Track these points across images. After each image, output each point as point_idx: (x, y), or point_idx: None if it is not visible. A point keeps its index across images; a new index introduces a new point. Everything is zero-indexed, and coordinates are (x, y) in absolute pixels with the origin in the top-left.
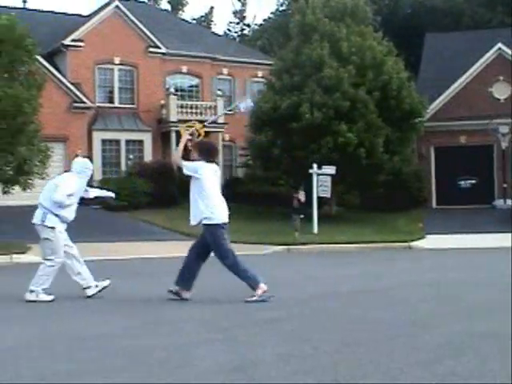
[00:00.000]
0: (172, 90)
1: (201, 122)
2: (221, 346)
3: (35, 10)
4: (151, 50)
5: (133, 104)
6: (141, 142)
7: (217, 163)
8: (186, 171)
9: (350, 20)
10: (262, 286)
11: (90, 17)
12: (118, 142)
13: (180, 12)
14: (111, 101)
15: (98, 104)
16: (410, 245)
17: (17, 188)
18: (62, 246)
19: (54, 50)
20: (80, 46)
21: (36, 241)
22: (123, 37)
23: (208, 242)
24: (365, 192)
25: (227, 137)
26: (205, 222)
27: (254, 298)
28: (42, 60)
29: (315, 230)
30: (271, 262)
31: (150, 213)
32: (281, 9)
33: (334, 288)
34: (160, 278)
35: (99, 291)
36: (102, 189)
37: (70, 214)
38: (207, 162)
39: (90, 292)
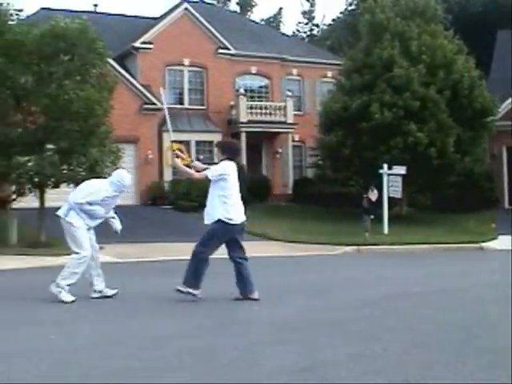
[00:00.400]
0: (242, 90)
1: (174, 141)
2: (291, 346)
3: (106, 13)
4: (221, 51)
5: (202, 105)
6: (211, 143)
7: (238, 162)
8: (213, 177)
9: (419, 18)
10: (197, 292)
11: (159, 19)
12: (188, 142)
13: (249, 13)
14: (181, 102)
15: (168, 106)
16: (482, 246)
17: None
18: (85, 239)
19: (125, 52)
20: (150, 48)
21: (109, 240)
22: (193, 38)
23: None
24: (436, 192)
25: (297, 137)
26: (218, 218)
27: (184, 290)
28: (112, 63)
29: (386, 230)
30: (341, 262)
31: None
32: (350, 8)
33: (405, 288)
34: (230, 278)
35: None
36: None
37: (90, 219)
38: (228, 160)
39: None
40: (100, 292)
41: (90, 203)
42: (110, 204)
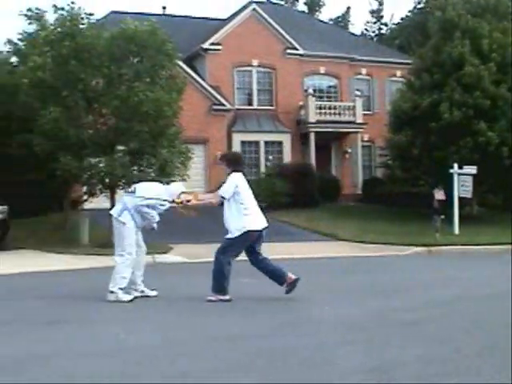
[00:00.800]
0: (310, 91)
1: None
2: (361, 346)
3: (174, 15)
4: (289, 51)
5: (271, 106)
6: (280, 143)
7: (243, 172)
8: (228, 194)
9: (490, 16)
10: (227, 297)
11: (227, 20)
12: (257, 143)
13: (317, 13)
14: (250, 103)
15: (237, 106)
16: None
17: None
18: (132, 241)
19: (194, 53)
20: (218, 50)
21: (178, 241)
22: (261, 39)
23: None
24: (507, 192)
25: (366, 137)
26: (243, 230)
27: (213, 298)
28: (182, 64)
29: (456, 230)
30: (412, 262)
31: (290, 213)
32: (418, 6)
33: (477, 290)
34: (302, 278)
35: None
36: None
37: (142, 220)
38: (235, 171)
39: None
40: (142, 292)
41: (148, 206)
42: (160, 210)
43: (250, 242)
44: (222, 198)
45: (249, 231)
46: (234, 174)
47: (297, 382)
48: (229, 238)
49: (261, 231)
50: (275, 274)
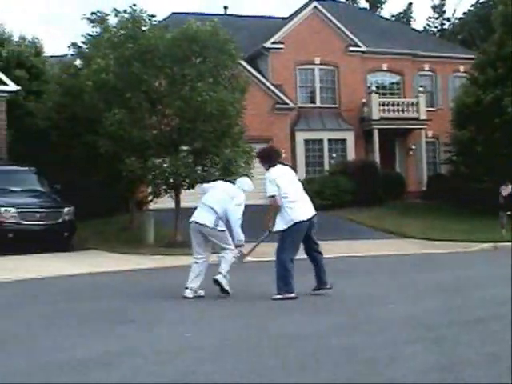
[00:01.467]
0: (373, 88)
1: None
2: (428, 344)
3: (236, 15)
4: (351, 48)
5: (334, 103)
6: (343, 141)
7: (283, 163)
8: (273, 193)
9: None
10: (294, 295)
11: (289, 19)
12: (320, 141)
13: (378, 9)
14: (313, 101)
15: (299, 105)
16: None
17: None
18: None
19: (256, 53)
20: (281, 48)
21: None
22: (323, 37)
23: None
24: None
25: (430, 133)
26: (290, 223)
27: (279, 296)
28: (244, 63)
29: None
30: (479, 259)
31: (355, 211)
32: (481, 0)
33: None
34: (364, 276)
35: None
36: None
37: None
38: (271, 166)
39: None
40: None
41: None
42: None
43: (301, 232)
44: (272, 196)
45: (296, 223)
46: (269, 170)
47: (363, 382)
48: (279, 233)
49: (309, 220)
50: (319, 274)
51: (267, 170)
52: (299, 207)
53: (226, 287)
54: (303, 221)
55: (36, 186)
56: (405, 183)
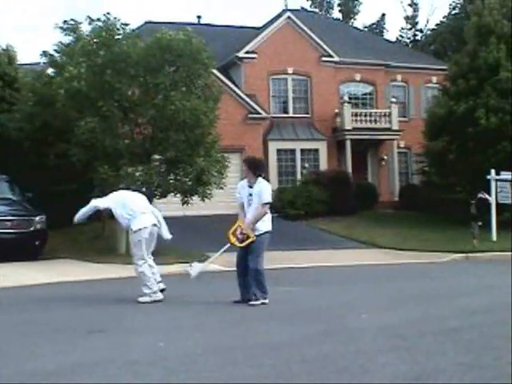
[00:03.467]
0: (346, 98)
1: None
2: (401, 354)
3: (209, 24)
4: (324, 59)
5: (307, 113)
6: (316, 150)
7: (264, 176)
8: (270, 199)
9: None
10: (263, 301)
11: (262, 28)
12: (293, 151)
13: (351, 20)
14: (286, 111)
15: (272, 114)
16: None
17: (195, 198)
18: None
19: (229, 62)
20: (254, 58)
21: (214, 249)
22: (296, 47)
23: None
24: None
25: (402, 144)
26: (265, 230)
27: (258, 302)
28: (217, 73)
29: (494, 237)
30: (450, 269)
31: (327, 221)
32: (453, 12)
33: None
34: (336, 285)
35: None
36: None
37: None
38: (258, 176)
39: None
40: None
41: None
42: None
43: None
44: (268, 203)
45: (270, 231)
46: (260, 178)
47: None
48: (260, 243)
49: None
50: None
51: (254, 177)
52: (268, 219)
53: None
54: (271, 231)
55: (7, 194)
56: (377, 193)
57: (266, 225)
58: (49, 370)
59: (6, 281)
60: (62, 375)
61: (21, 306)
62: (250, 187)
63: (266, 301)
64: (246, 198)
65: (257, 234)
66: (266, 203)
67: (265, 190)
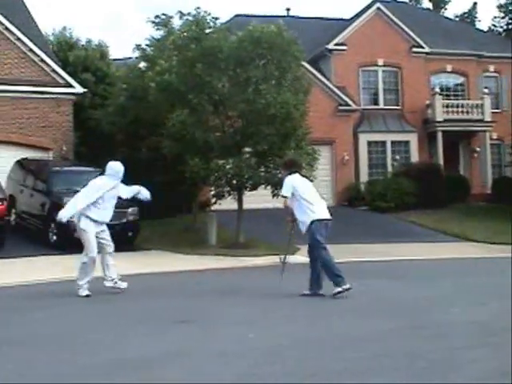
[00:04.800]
0: (437, 89)
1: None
2: (490, 350)
3: (298, 17)
4: (415, 50)
5: (397, 105)
6: (407, 142)
7: (300, 173)
8: (286, 193)
9: None
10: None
11: (352, 20)
12: (383, 143)
13: (442, 10)
14: (376, 103)
15: (362, 106)
16: None
17: None
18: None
19: (319, 54)
20: (343, 50)
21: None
22: (386, 38)
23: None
24: None
25: (495, 135)
26: (310, 221)
27: (339, 290)
28: (307, 65)
29: None
30: None
31: (417, 214)
32: None
33: None
34: (425, 279)
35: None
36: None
37: (98, 215)
38: (290, 173)
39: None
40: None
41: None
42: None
43: (321, 229)
44: (284, 196)
45: (315, 220)
46: (288, 176)
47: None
48: (311, 234)
49: (326, 220)
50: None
51: (286, 176)
52: (317, 209)
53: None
54: (322, 219)
55: None
56: (469, 186)
57: (308, 216)
58: (138, 359)
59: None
60: (150, 364)
61: (110, 296)
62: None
63: (347, 286)
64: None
65: (305, 227)
66: (281, 195)
67: (284, 185)
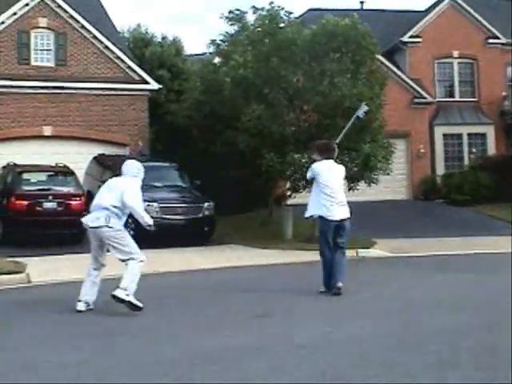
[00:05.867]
0: None
1: None
2: None
3: (372, 9)
4: (490, 40)
5: (473, 97)
6: (483, 135)
7: (333, 159)
8: (309, 176)
9: None
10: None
11: (426, 12)
12: (459, 135)
13: None
14: (451, 95)
15: (438, 99)
16: None
17: (361, 184)
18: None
19: (393, 47)
20: (418, 42)
21: (382, 236)
22: (461, 30)
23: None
24: None
25: None
26: (318, 214)
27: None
28: (382, 58)
29: None
30: None
31: (495, 207)
32: None
33: None
34: (504, 274)
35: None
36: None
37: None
38: (325, 159)
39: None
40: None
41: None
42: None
43: (331, 229)
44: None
45: (322, 217)
46: (321, 161)
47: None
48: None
49: (335, 222)
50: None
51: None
52: (330, 206)
53: (135, 302)
54: (333, 220)
55: (177, 182)
56: None
57: (317, 208)
58: (216, 352)
59: (173, 265)
60: (229, 357)
61: (190, 290)
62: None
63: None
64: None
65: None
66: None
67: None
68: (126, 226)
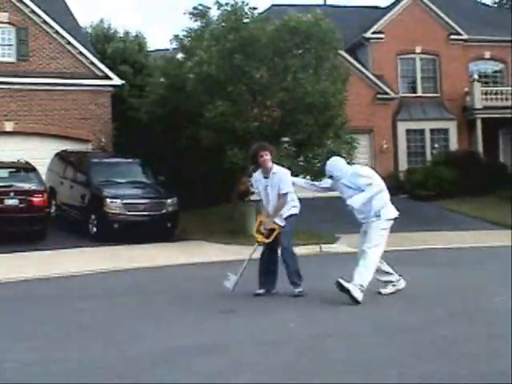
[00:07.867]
0: (475, 76)
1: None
2: None
3: (335, 5)
4: (452, 37)
5: (436, 93)
6: (446, 130)
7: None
8: (291, 189)
9: None
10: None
11: (389, 8)
12: (422, 131)
13: None
14: (414, 90)
15: (401, 94)
16: None
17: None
18: None
19: (356, 43)
20: (381, 38)
21: (344, 231)
22: (423, 26)
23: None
24: None
25: None
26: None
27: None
28: (344, 54)
29: None
30: None
31: (457, 202)
32: None
33: None
34: (469, 267)
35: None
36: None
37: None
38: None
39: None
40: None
41: None
42: None
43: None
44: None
45: (297, 214)
46: (277, 167)
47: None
48: (288, 226)
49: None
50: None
51: (271, 166)
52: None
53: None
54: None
55: (140, 178)
56: (509, 173)
57: (290, 209)
58: (179, 349)
59: (140, 262)
60: (192, 354)
61: (152, 285)
62: (266, 178)
63: (301, 289)
64: (263, 191)
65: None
66: (285, 193)
67: (284, 179)
68: (88, 222)
